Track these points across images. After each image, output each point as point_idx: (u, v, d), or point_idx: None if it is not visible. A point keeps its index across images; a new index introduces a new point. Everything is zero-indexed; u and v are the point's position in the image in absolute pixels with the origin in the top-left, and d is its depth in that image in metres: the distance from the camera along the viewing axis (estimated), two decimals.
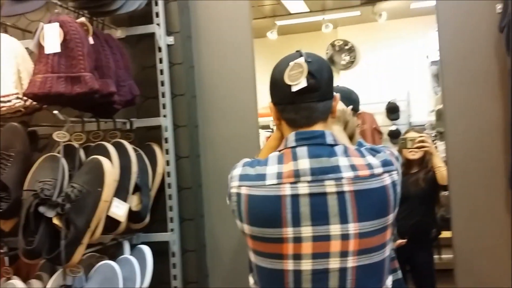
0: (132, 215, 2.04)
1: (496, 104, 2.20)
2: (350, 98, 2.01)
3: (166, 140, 2.28)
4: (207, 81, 2.49)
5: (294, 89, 1.32)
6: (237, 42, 2.47)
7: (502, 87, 2.18)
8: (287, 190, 1.29)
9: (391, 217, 1.32)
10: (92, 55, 1.88)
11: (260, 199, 1.32)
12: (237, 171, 1.39)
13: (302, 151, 1.33)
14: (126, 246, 2.15)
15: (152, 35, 2.28)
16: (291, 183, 1.29)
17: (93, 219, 1.79)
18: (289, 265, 1.30)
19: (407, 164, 3.15)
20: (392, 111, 7.30)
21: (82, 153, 1.97)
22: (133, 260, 2.04)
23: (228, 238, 2.44)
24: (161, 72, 2.28)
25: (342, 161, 1.30)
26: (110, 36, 2.11)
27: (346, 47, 7.89)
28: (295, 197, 1.29)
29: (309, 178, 1.29)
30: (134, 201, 2.07)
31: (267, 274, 1.36)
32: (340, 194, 1.27)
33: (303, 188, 1.29)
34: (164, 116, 2.27)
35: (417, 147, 3.08)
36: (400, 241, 3.08)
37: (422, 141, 3.07)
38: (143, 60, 2.35)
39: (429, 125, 5.22)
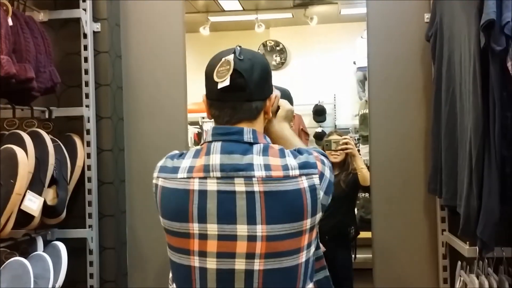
0: (47, 210, 1.93)
1: (419, 110, 2.27)
2: (289, 99, 1.99)
3: (88, 132, 2.17)
4: (135, 73, 2.40)
5: (219, 86, 1.27)
6: (169, 34, 2.40)
7: (425, 94, 2.25)
8: (195, 184, 1.25)
9: (308, 222, 1.26)
10: (11, 37, 1.75)
11: (170, 192, 1.29)
12: (160, 162, 1.37)
13: (216, 146, 1.28)
14: (40, 242, 2.02)
15: (77, 21, 2.16)
16: (200, 178, 1.25)
17: (3, 212, 1.67)
18: (195, 261, 1.27)
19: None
20: (319, 113, 7.43)
21: None
22: (46, 257, 1.92)
23: (150, 236, 2.36)
24: (85, 59, 2.17)
25: (256, 159, 1.25)
26: (31, 18, 1.98)
27: (278, 48, 7.95)
28: (202, 193, 1.25)
29: (218, 174, 1.24)
30: (50, 195, 1.95)
31: (177, 269, 1.33)
32: (250, 194, 1.23)
33: (212, 184, 1.24)
34: (87, 106, 2.17)
35: (341, 149, 3.14)
36: (322, 248, 3.12)
37: (346, 143, 3.14)
38: (66, 47, 2.23)
39: (353, 128, 5.36)
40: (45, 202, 1.91)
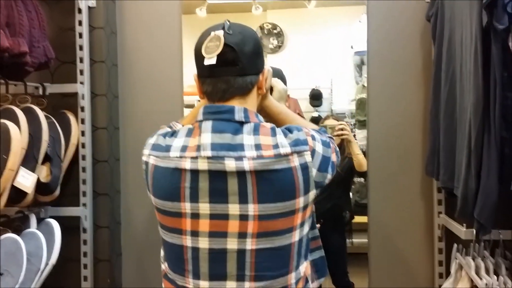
0: (41, 187, 1.90)
1: (418, 93, 2.25)
2: (282, 78, 1.96)
3: (82, 109, 2.14)
4: (131, 50, 2.36)
5: (206, 62, 1.24)
6: (165, 13, 2.36)
7: (425, 76, 2.22)
8: (187, 164, 1.23)
9: (301, 201, 1.24)
10: (3, 10, 1.71)
11: (163, 171, 1.27)
12: (152, 139, 1.34)
13: (207, 125, 1.26)
14: (33, 220, 2.00)
15: None
16: (192, 157, 1.23)
17: None
18: (188, 241, 1.26)
19: None
20: (316, 97, 7.40)
21: None
22: (40, 234, 1.89)
23: (145, 215, 2.34)
24: (80, 35, 2.13)
25: (247, 139, 1.23)
26: None
27: (275, 31, 7.88)
28: (194, 172, 1.23)
29: (209, 153, 1.22)
30: (43, 172, 1.93)
31: (170, 249, 1.32)
32: (241, 174, 1.21)
33: (203, 164, 1.23)
34: (81, 83, 2.13)
35: (336, 135, 3.12)
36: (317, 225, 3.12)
37: (342, 129, 3.11)
38: (61, 22, 2.19)
39: (349, 113, 5.34)
40: (38, 179, 1.88)
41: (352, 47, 5.49)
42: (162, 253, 1.40)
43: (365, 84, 2.46)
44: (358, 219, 3.20)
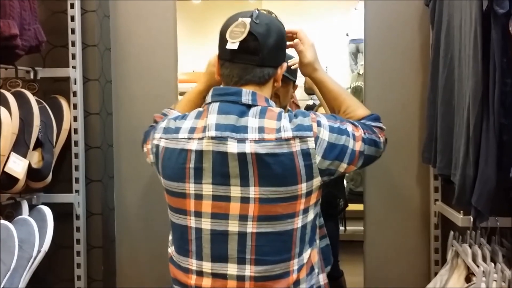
0: (32, 173, 1.87)
1: (416, 79, 2.22)
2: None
3: (75, 94, 2.10)
4: (124, 34, 2.32)
5: (228, 46, 1.25)
6: None
7: (423, 62, 2.20)
8: (194, 145, 1.25)
9: (304, 187, 1.24)
10: None
11: (171, 152, 1.29)
12: (163, 123, 1.36)
13: (214, 107, 1.27)
14: (25, 206, 1.97)
15: None
16: (199, 138, 1.25)
17: None
18: (192, 221, 1.27)
19: None
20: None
21: None
22: (32, 221, 1.87)
23: (138, 202, 2.32)
24: (72, 18, 2.08)
25: (251, 122, 1.23)
26: None
27: None
28: (199, 153, 1.24)
29: (213, 133, 1.23)
30: (35, 158, 1.90)
31: (175, 230, 1.33)
32: (242, 156, 1.21)
33: (207, 145, 1.24)
34: (73, 67, 2.09)
35: None
36: None
37: None
38: (53, 5, 2.14)
39: None
40: (30, 165, 1.85)
41: (347, 35, 5.49)
42: (170, 237, 1.42)
43: (361, 72, 2.42)
44: (352, 207, 3.19)
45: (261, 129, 1.22)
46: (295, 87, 1.81)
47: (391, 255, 2.26)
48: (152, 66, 2.31)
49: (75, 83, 2.10)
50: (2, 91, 1.77)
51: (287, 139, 1.21)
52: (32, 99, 1.88)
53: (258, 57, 1.28)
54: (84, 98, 2.15)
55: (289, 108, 1.84)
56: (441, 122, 1.90)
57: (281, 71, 1.35)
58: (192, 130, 1.27)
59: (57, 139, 2.03)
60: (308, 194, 1.26)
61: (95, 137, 2.19)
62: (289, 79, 1.73)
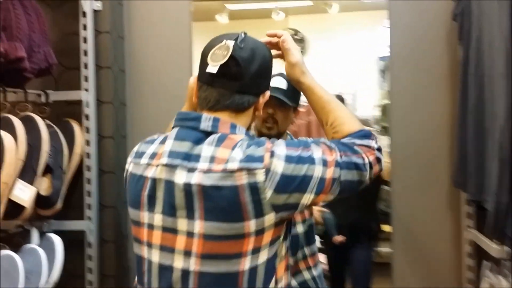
0: (41, 200, 1.81)
1: (444, 97, 2.10)
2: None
3: (87, 117, 2.04)
4: (139, 55, 2.27)
5: (207, 69, 1.17)
6: (175, 16, 2.25)
7: (451, 79, 2.07)
8: (151, 171, 1.18)
9: (252, 225, 1.10)
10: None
11: (133, 177, 1.23)
12: (136, 147, 1.28)
13: (173, 132, 1.20)
14: (35, 234, 1.90)
15: None
16: (156, 165, 1.18)
17: None
18: (145, 252, 1.20)
19: None
20: None
21: None
22: (40, 250, 1.80)
23: None
24: (85, 40, 2.03)
25: (206, 150, 1.13)
26: None
27: (296, 37, 7.79)
28: (153, 180, 1.17)
29: (165, 161, 1.15)
30: (43, 184, 1.83)
31: (135, 260, 1.26)
32: (187, 186, 1.12)
33: (160, 172, 1.16)
34: (86, 90, 2.03)
35: None
36: (340, 238, 2.96)
37: None
38: (66, 26, 2.11)
39: (373, 119, 5.19)
40: (38, 192, 1.78)
41: (376, 52, 5.35)
42: None
43: None
44: (384, 227, 3.05)
45: (212, 159, 1.12)
46: (296, 112, 1.70)
47: (421, 282, 2.13)
48: (168, 88, 2.25)
49: (88, 106, 2.04)
50: (8, 115, 1.71)
51: (232, 171, 1.09)
52: (41, 123, 1.82)
53: (239, 83, 1.18)
54: (97, 121, 2.09)
55: (289, 133, 1.74)
56: (472, 144, 1.78)
57: (263, 99, 1.24)
58: (153, 156, 1.20)
59: (68, 164, 1.97)
60: (259, 232, 1.12)
61: (108, 162, 2.13)
62: (288, 104, 1.62)
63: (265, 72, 1.23)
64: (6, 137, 1.59)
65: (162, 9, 2.25)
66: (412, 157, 2.14)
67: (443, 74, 2.10)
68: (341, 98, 7.49)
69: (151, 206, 1.17)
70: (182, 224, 1.13)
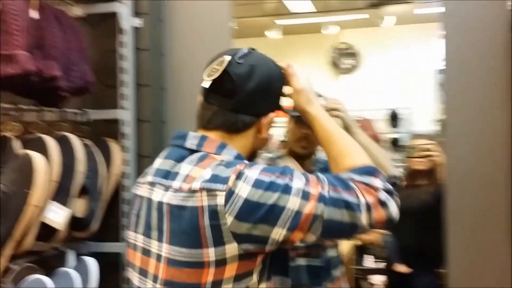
0: (75, 222, 1.76)
1: (504, 112, 1.91)
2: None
3: (125, 136, 1.99)
4: (180, 73, 2.20)
5: (202, 83, 1.14)
6: (216, 33, 2.18)
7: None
8: (140, 190, 1.16)
9: (211, 253, 0.98)
10: (33, 31, 1.59)
11: (133, 198, 1.21)
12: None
13: (164, 150, 1.18)
14: (70, 257, 1.86)
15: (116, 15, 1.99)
16: (143, 183, 1.17)
17: (17, 226, 1.49)
18: (131, 274, 1.15)
19: (413, 175, 2.85)
20: (394, 118, 7.06)
21: (18, 146, 1.66)
22: (73, 273, 1.74)
23: None
24: (122, 57, 1.98)
25: (184, 168, 1.07)
26: (62, 12, 1.82)
27: (349, 51, 7.64)
28: (140, 199, 1.14)
29: (149, 179, 1.13)
30: (79, 206, 1.78)
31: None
32: (160, 205, 1.06)
33: (145, 190, 1.13)
34: (123, 108, 1.98)
35: (418, 156, 2.79)
36: (403, 269, 2.76)
37: (427, 150, 2.77)
38: (107, 44, 2.06)
39: (432, 134, 4.94)
40: (73, 213, 1.73)
41: (434, 65, 5.11)
42: None
43: None
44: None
45: (185, 177, 1.04)
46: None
47: None
48: None
49: (125, 125, 1.99)
50: (41, 135, 1.67)
51: (194, 191, 1.01)
52: (77, 143, 1.77)
53: (232, 101, 1.10)
54: (137, 141, 2.04)
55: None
56: None
57: (267, 121, 1.14)
58: (145, 174, 1.18)
59: (106, 185, 1.92)
60: (220, 263, 0.99)
61: None
62: None
63: (267, 91, 1.14)
64: (37, 158, 1.54)
65: (203, 26, 2.19)
66: (469, 176, 1.95)
67: (503, 87, 1.91)
68: (396, 113, 7.23)
69: (137, 226, 1.12)
70: (154, 245, 1.07)
